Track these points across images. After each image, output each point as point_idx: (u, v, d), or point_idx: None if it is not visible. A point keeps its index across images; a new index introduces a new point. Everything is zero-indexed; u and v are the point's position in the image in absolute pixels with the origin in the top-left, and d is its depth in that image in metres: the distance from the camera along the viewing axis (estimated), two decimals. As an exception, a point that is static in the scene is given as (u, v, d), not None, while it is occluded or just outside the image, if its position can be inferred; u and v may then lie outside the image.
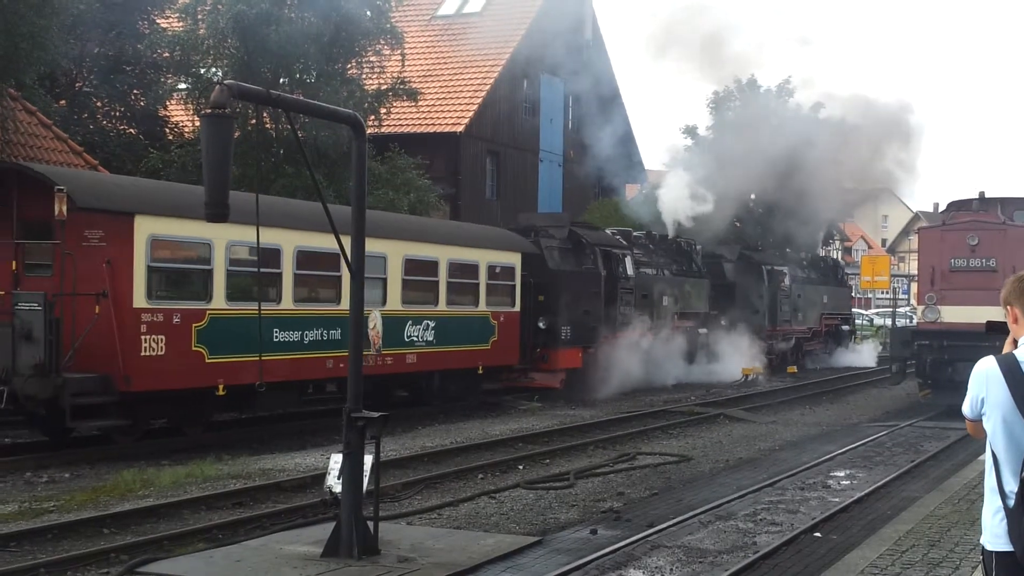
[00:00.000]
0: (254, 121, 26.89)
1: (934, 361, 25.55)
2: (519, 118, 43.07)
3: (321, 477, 14.14)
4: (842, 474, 17.63)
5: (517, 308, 25.95)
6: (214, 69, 30.27)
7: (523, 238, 27.13)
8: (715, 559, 11.57)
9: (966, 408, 5.45)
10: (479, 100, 39.50)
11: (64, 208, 15.86)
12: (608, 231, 31.70)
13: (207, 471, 15.77)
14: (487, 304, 24.90)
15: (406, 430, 21.34)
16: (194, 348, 17.56)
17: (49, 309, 15.94)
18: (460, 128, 38.44)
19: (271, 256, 18.74)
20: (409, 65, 33.39)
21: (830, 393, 32.42)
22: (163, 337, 16.99)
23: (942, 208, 27.85)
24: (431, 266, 23.35)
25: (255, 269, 17.67)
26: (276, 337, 19.02)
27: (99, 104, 34.52)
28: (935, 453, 20.13)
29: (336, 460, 11.93)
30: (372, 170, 28.27)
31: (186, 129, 34.14)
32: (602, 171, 48.77)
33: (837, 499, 15.16)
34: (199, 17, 30.34)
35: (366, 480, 11.32)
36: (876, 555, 10.36)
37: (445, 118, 38.88)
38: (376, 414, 11.18)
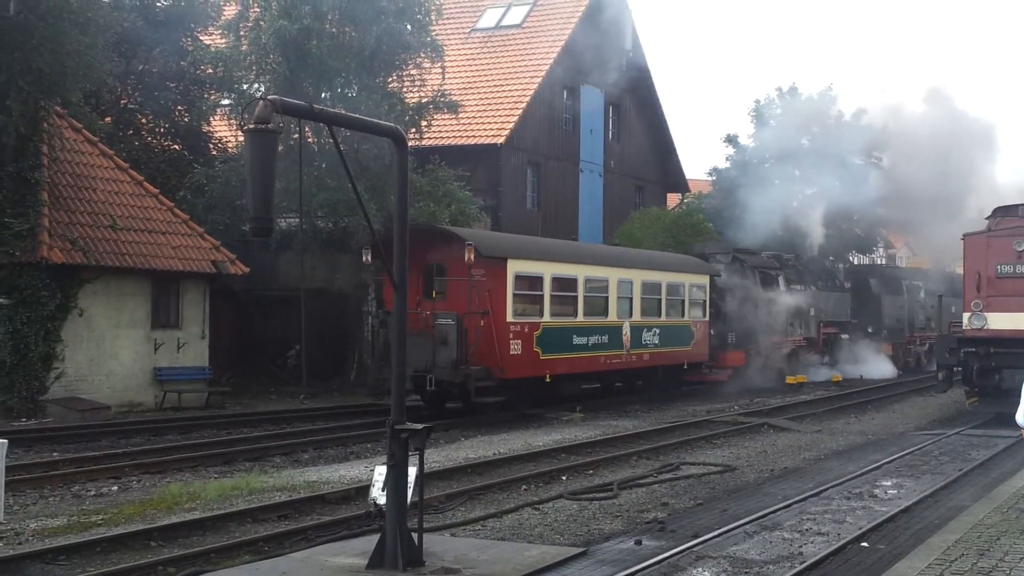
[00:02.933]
0: (296, 136, 27.07)
1: (981, 368, 25.25)
2: (559, 129, 43.05)
3: (365, 489, 14.24)
4: (889, 483, 17.46)
5: (707, 318, 33.09)
6: (257, 84, 30.51)
7: (710, 264, 34.29)
8: (761, 569, 11.50)
9: (1020, 416, 5.41)
10: (519, 111, 39.51)
11: (472, 256, 23.16)
12: (764, 255, 37.94)
13: (252, 484, 15.87)
14: (688, 315, 32.08)
15: (449, 441, 21.39)
16: (534, 349, 25.22)
17: (460, 323, 23.43)
18: (501, 139, 38.48)
19: (572, 283, 26.90)
20: (449, 78, 33.51)
21: (876, 402, 32.12)
22: (520, 341, 24.76)
23: (987, 214, 27.48)
24: (657, 287, 30.75)
25: (568, 293, 26.72)
26: (574, 341, 26.75)
27: (144, 120, 34.89)
28: (983, 461, 19.89)
29: (380, 472, 11.98)
30: (413, 182, 28.41)
31: (229, 145, 34.41)
32: (643, 181, 48.80)
33: (884, 508, 15.01)
34: (241, 33, 30.62)
35: (410, 492, 11.35)
36: (924, 565, 10.25)
37: (486, 130, 38.94)
38: (420, 426, 11.20)
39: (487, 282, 24.01)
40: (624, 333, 28.69)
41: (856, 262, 54.46)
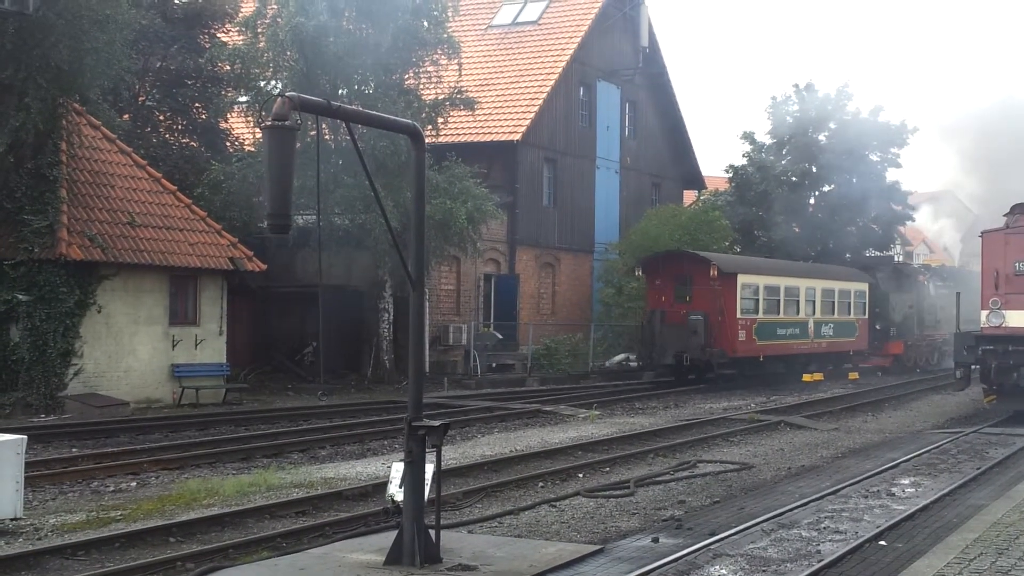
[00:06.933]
0: (313, 132, 27.14)
1: (999, 366, 25.11)
2: (576, 125, 43.03)
3: (383, 486, 14.28)
4: (906, 482, 17.41)
5: (866, 316, 41.67)
6: (274, 81, 30.56)
7: (870, 274, 42.74)
8: (778, 568, 11.49)
9: None
10: (536, 108, 39.51)
11: (716, 272, 33.36)
12: (918, 265, 46.83)
13: (270, 480, 15.93)
14: (853, 313, 40.75)
15: (465, 439, 21.41)
16: (753, 337, 34.56)
17: (706, 319, 33.04)
18: (517, 136, 38.48)
19: (776, 290, 36.27)
20: (466, 74, 33.49)
21: (893, 400, 32.04)
22: (745, 331, 34.17)
23: (1005, 211, 27.34)
24: (831, 292, 39.39)
25: (773, 298, 35.93)
26: (777, 332, 36.04)
27: (161, 118, 35.00)
28: (1001, 460, 19.80)
29: (397, 469, 12.01)
30: (430, 179, 28.42)
31: (246, 142, 34.48)
32: (659, 178, 48.72)
33: (902, 507, 14.98)
34: (259, 30, 30.66)
35: (427, 489, 11.37)
36: (943, 563, 10.24)
37: (502, 126, 38.94)
38: (437, 423, 11.23)
39: (723, 290, 33.55)
40: (809, 327, 37.61)
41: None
